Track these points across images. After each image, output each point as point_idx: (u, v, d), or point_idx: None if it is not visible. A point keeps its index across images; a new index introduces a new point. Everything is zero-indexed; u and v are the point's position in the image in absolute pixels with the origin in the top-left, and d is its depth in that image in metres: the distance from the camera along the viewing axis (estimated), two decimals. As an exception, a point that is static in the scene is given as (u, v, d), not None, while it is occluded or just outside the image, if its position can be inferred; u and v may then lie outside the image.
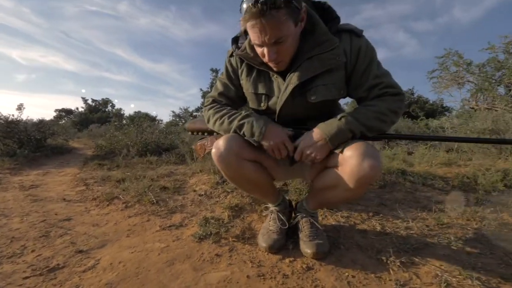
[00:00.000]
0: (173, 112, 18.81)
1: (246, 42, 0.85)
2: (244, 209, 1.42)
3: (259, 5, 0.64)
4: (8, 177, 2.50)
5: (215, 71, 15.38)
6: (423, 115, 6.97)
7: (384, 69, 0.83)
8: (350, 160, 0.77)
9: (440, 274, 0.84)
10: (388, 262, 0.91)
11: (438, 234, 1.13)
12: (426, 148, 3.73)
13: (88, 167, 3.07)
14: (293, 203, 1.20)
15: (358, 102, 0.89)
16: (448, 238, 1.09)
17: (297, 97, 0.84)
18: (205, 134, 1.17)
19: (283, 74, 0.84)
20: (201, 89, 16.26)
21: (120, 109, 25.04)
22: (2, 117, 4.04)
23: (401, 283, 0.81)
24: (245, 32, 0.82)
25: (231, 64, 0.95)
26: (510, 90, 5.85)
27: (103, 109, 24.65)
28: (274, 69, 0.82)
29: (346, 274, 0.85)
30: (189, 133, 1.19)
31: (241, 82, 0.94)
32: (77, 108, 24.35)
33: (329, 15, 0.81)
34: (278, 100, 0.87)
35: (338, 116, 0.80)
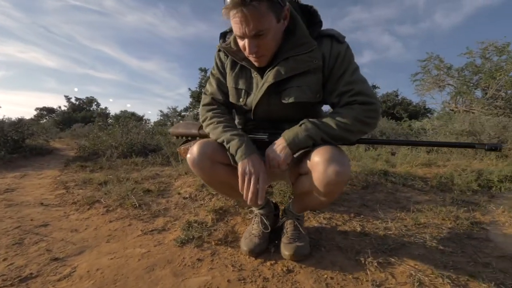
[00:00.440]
0: (161, 111, 18.51)
1: (231, 37, 0.86)
2: (228, 212, 1.42)
3: None
4: (-19, 180, 2.37)
5: (204, 70, 15.26)
6: (407, 116, 7.21)
7: (360, 77, 0.82)
8: (316, 167, 0.78)
9: (414, 274, 0.87)
10: (366, 263, 0.94)
11: (415, 234, 1.17)
12: (408, 149, 3.86)
13: (69, 169, 2.97)
14: (280, 206, 1.21)
15: (331, 108, 0.91)
16: (424, 237, 1.13)
17: (272, 97, 0.85)
18: (189, 138, 1.17)
19: (262, 72, 0.85)
20: (189, 89, 16.08)
21: (106, 108, 24.39)
22: (-25, 116, 3.84)
23: (377, 283, 0.83)
24: None
25: (219, 59, 0.96)
26: (486, 93, 6.16)
27: (87, 108, 23.91)
28: (255, 64, 0.82)
29: (325, 276, 0.87)
30: (175, 137, 1.21)
31: (227, 75, 0.95)
32: (60, 107, 23.50)
33: (313, 19, 0.82)
34: (254, 97, 0.88)
35: (300, 122, 0.81)
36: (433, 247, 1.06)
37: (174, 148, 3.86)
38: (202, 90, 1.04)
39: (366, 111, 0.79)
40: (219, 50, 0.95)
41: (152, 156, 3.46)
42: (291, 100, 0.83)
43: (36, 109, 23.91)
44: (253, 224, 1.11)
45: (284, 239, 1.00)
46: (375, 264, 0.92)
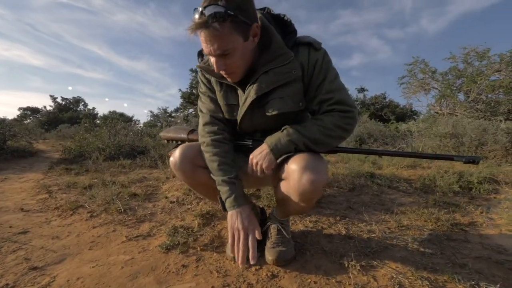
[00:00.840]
0: (151, 112, 18.24)
1: None
2: (215, 216, 1.41)
3: (204, 16, 0.65)
4: (-43, 185, 2.27)
5: (195, 71, 15.12)
6: (394, 118, 7.39)
7: (339, 84, 0.84)
8: (292, 174, 0.79)
9: (395, 276, 0.89)
10: (349, 266, 0.95)
11: (398, 236, 1.20)
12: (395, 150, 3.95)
13: (53, 172, 2.88)
14: (267, 209, 1.22)
15: (311, 115, 0.92)
16: (406, 240, 1.16)
17: (256, 110, 0.86)
18: (179, 142, 1.18)
19: (244, 86, 0.85)
20: (180, 90, 15.91)
21: (93, 108, 23.81)
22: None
23: (360, 286, 0.85)
24: None
25: (204, 77, 0.94)
26: (468, 97, 6.39)
27: (74, 108, 23.27)
28: (228, 79, 0.83)
29: (309, 280, 0.88)
30: (166, 141, 1.24)
31: (215, 92, 0.94)
32: (45, 107, 22.77)
33: (287, 28, 0.83)
34: (239, 112, 0.88)
35: (282, 128, 0.82)
36: (414, 249, 1.09)
37: (162, 151, 3.81)
38: (198, 107, 1.02)
39: (345, 118, 0.81)
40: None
41: (140, 159, 3.40)
42: (274, 112, 0.83)
43: (20, 109, 23.09)
44: (239, 229, 1.11)
45: (268, 244, 1.01)
46: (358, 267, 0.94)
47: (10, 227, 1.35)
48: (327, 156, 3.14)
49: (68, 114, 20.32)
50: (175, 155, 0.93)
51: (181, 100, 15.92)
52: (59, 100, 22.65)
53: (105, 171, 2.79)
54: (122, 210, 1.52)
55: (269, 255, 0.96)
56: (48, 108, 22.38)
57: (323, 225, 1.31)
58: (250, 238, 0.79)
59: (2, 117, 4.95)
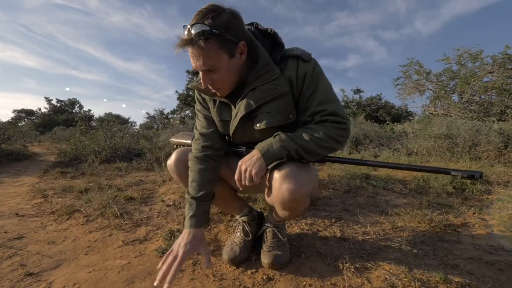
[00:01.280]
0: (147, 113, 18.17)
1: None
2: (211, 219, 1.42)
3: (190, 34, 0.68)
4: (-49, 189, 2.24)
5: (191, 73, 15.10)
6: (390, 119, 7.45)
7: (332, 96, 0.84)
8: (274, 183, 0.80)
9: (388, 278, 0.91)
10: (344, 268, 0.97)
11: (392, 238, 1.22)
12: (390, 151, 4.00)
13: (48, 175, 2.86)
14: (265, 212, 1.23)
15: (303, 125, 0.92)
16: (400, 241, 1.18)
17: (246, 124, 0.87)
18: (185, 147, 1.22)
19: (235, 100, 0.86)
20: (176, 91, 15.87)
21: (89, 110, 23.64)
22: None
23: (354, 288, 0.87)
24: None
25: (200, 95, 0.96)
26: (462, 98, 6.49)
27: (69, 110, 23.08)
28: (217, 94, 0.84)
29: (304, 283, 0.89)
30: (174, 146, 1.30)
31: (210, 109, 0.96)
32: (40, 109, 22.56)
33: (276, 41, 0.84)
34: (230, 126, 0.90)
35: (274, 134, 0.82)
36: (408, 251, 1.11)
37: (159, 153, 3.80)
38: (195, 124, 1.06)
39: (337, 129, 0.80)
40: None
41: (137, 161, 3.40)
42: (263, 126, 0.84)
43: (14, 111, 22.85)
44: (236, 233, 1.12)
45: (264, 247, 1.02)
46: (353, 269, 0.96)
47: (5, 232, 1.34)
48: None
49: (63, 116, 20.14)
50: (171, 158, 1.02)
51: (177, 102, 15.89)
52: (54, 102, 22.45)
53: (101, 174, 2.78)
54: (119, 214, 1.52)
55: (265, 259, 0.97)
56: (43, 110, 22.20)
57: (318, 227, 1.33)
58: (176, 262, 0.77)
59: (-4, 120, 4.88)
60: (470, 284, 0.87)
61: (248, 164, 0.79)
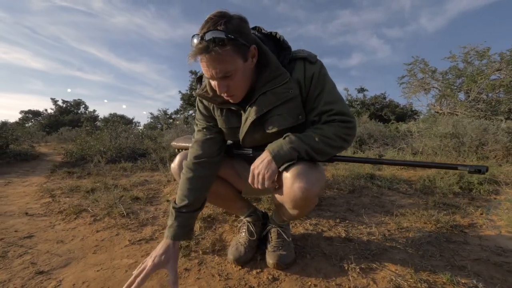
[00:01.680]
0: (151, 114, 18.29)
1: (206, 81, 0.86)
2: (216, 219, 1.43)
3: (204, 42, 0.67)
4: (-38, 189, 2.30)
5: (194, 73, 15.16)
6: (394, 118, 7.38)
7: (337, 95, 0.85)
8: (285, 181, 0.81)
9: (394, 279, 0.91)
10: (349, 269, 0.97)
11: (397, 238, 1.22)
12: (395, 151, 3.96)
13: (56, 175, 2.91)
14: (269, 212, 1.23)
15: (310, 125, 0.93)
16: (406, 242, 1.18)
17: (257, 128, 0.87)
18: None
19: (244, 105, 0.86)
20: (180, 91, 15.94)
21: (94, 110, 23.91)
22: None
23: (359, 289, 0.87)
24: None
25: (202, 104, 0.96)
26: (469, 96, 6.39)
27: (75, 110, 23.37)
28: (230, 101, 0.84)
29: (309, 283, 0.89)
30: (176, 150, 1.31)
31: (216, 118, 0.95)
32: (46, 110, 22.89)
33: (282, 45, 0.84)
34: (240, 131, 0.90)
35: (284, 135, 0.83)
36: (413, 252, 1.10)
37: (163, 153, 3.83)
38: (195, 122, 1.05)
39: (345, 128, 0.81)
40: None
41: (141, 161, 3.43)
42: (274, 129, 0.84)
43: (21, 112, 23.21)
44: (241, 233, 1.13)
45: (269, 248, 1.03)
46: (358, 270, 0.96)
47: (16, 231, 1.37)
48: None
49: (69, 117, 20.41)
50: (175, 161, 1.04)
51: (181, 102, 15.97)
52: (60, 102, 22.75)
53: (107, 174, 2.81)
54: (125, 214, 1.54)
55: (270, 259, 0.98)
56: (49, 111, 22.50)
57: (323, 227, 1.33)
58: (141, 275, 0.76)
59: (3, 121, 4.99)
60: (477, 286, 0.86)
61: (260, 168, 0.80)
